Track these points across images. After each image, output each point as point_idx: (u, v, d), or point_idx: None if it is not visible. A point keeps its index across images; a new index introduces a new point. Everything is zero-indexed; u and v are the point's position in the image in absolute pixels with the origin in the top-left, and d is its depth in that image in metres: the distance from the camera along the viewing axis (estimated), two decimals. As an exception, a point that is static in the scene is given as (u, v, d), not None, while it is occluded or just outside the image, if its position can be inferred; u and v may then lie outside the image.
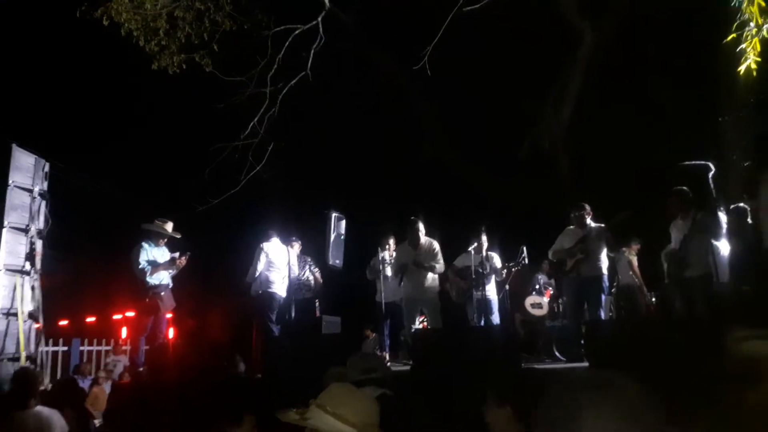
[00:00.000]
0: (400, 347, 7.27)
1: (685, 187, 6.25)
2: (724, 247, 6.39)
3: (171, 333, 8.63)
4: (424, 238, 7.12)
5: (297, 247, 8.22)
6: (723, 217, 6.21)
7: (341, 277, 8.74)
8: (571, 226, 6.76)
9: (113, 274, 10.63)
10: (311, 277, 8.25)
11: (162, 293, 6.85)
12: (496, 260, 7.56)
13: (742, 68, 5.34)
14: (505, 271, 7.62)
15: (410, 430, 2.43)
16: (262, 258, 7.54)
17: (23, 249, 7.18)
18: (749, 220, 6.24)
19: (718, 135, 8.82)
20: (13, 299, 6.95)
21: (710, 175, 6.04)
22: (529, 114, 11.17)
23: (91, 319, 15.56)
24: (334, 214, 8.39)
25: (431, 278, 7.03)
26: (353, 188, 12.26)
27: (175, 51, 9.14)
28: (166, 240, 7.09)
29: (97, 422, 6.43)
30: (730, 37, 5.33)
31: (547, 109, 10.90)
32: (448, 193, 12.36)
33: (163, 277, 6.93)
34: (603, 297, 6.61)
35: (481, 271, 7.20)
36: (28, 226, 7.19)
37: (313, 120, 11.97)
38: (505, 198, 11.24)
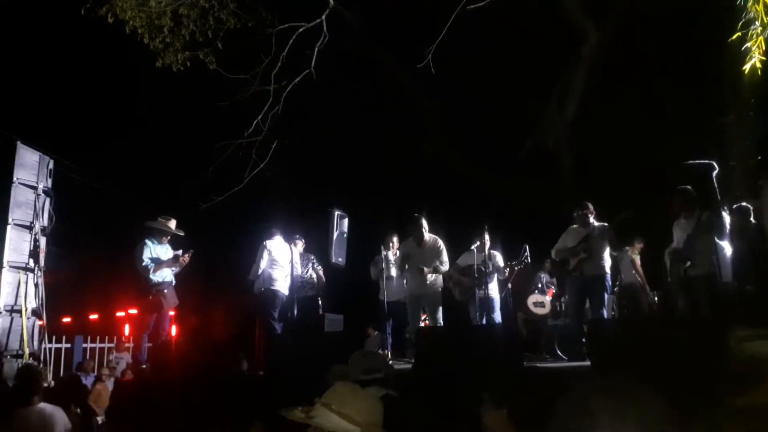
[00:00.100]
0: (405, 345, 7.26)
1: (689, 186, 6.24)
2: (727, 246, 6.38)
3: (174, 330, 8.66)
4: (428, 235, 7.11)
5: (300, 245, 8.22)
6: (726, 216, 6.19)
7: (344, 275, 8.75)
8: (574, 225, 6.75)
9: (116, 271, 10.65)
10: (314, 275, 8.26)
11: (165, 291, 6.86)
12: (499, 259, 7.55)
13: (747, 67, 5.33)
14: (508, 269, 7.61)
15: (412, 428, 2.43)
16: (265, 256, 7.55)
17: (27, 246, 7.21)
18: (752, 220, 6.23)
19: (722, 134, 8.80)
20: (17, 296, 6.99)
21: (714, 174, 6.02)
22: (532, 113, 11.16)
23: (94, 317, 15.61)
24: (336, 212, 8.39)
25: (434, 275, 7.03)
26: (356, 186, 12.26)
27: (180, 48, 9.16)
28: (169, 237, 7.11)
29: (99, 419, 6.46)
30: (735, 36, 5.32)
31: (550, 108, 10.89)
32: (450, 192, 12.36)
33: (166, 275, 6.94)
34: (606, 296, 6.60)
35: (483, 269, 7.20)
36: (32, 223, 7.22)
37: (317, 118, 11.98)
38: (507, 197, 11.23)
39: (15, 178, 7.10)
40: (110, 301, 14.03)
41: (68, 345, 10.78)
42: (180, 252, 6.98)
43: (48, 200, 7.51)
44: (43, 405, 4.08)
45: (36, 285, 7.30)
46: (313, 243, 8.52)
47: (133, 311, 10.04)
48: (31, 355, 7.02)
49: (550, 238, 7.05)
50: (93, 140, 14.92)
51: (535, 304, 8.72)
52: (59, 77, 14.14)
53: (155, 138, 13.66)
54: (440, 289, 7.11)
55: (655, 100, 10.09)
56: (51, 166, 7.66)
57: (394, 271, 7.63)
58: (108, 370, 9.63)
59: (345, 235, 8.52)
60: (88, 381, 8.53)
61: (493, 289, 7.42)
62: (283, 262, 7.68)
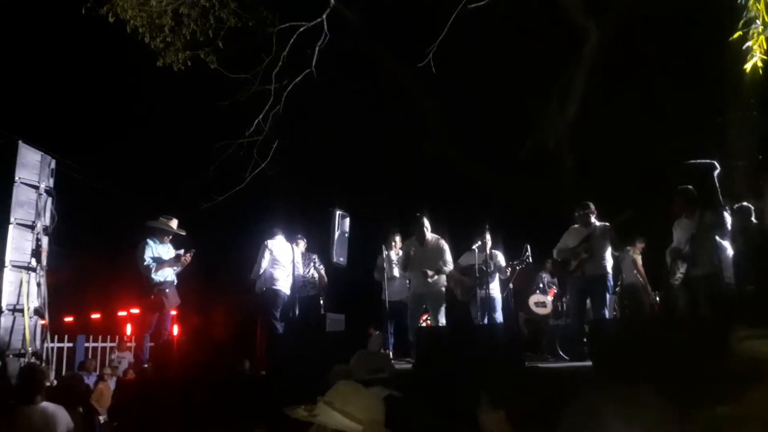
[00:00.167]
0: (407, 346, 7.26)
1: (690, 186, 6.23)
2: (728, 246, 6.38)
3: (175, 330, 8.67)
4: (430, 235, 7.11)
5: (302, 244, 8.23)
6: (727, 216, 6.19)
7: (345, 274, 8.75)
8: (576, 225, 6.76)
9: (118, 270, 10.66)
10: (316, 275, 8.27)
11: (167, 290, 6.87)
12: (500, 258, 7.55)
13: (748, 66, 5.32)
14: (510, 269, 7.62)
15: (414, 428, 2.44)
16: (267, 255, 7.56)
17: (29, 245, 7.21)
18: (754, 220, 6.23)
19: (723, 134, 8.79)
20: (19, 295, 6.99)
21: (715, 173, 6.02)
22: (533, 112, 11.16)
23: (96, 316, 15.62)
24: (338, 212, 8.39)
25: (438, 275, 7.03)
26: (357, 186, 12.27)
27: (180, 48, 9.17)
28: (171, 237, 7.11)
29: (102, 418, 6.47)
30: (736, 35, 5.31)
31: (551, 107, 10.89)
32: (451, 191, 12.36)
33: (167, 274, 6.95)
34: (607, 296, 6.60)
35: (485, 269, 7.20)
36: (34, 222, 7.22)
37: (318, 117, 11.98)
38: (508, 196, 11.23)
39: (17, 178, 7.10)
40: (112, 300, 14.04)
41: (70, 344, 10.80)
42: (181, 251, 6.98)
43: (50, 200, 7.51)
44: (45, 404, 4.09)
45: (38, 284, 7.30)
46: (315, 242, 8.53)
47: (135, 311, 10.05)
48: (33, 354, 7.03)
49: (551, 237, 7.06)
50: (94, 140, 14.92)
51: (537, 304, 8.73)
52: (60, 77, 14.14)
53: (156, 137, 13.67)
54: (444, 288, 7.10)
55: (656, 100, 10.08)
56: (53, 165, 7.66)
57: (396, 271, 7.63)
58: (110, 370, 9.65)
59: (346, 235, 8.53)
60: (90, 380, 8.55)
61: (495, 289, 7.42)
62: (284, 261, 7.69)
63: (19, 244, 7.10)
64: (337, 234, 8.31)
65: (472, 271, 7.30)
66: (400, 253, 7.60)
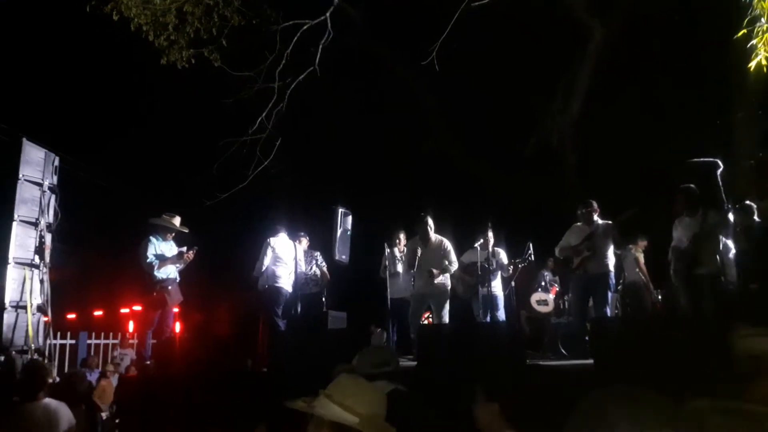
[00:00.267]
0: (409, 343, 7.25)
1: (692, 185, 6.22)
2: (730, 245, 6.37)
3: (178, 327, 8.68)
4: (434, 236, 7.09)
5: (305, 242, 8.23)
6: (730, 215, 6.18)
7: (347, 272, 8.76)
8: (578, 223, 6.74)
9: (121, 268, 10.70)
10: (318, 272, 8.27)
11: (169, 287, 6.88)
12: (503, 256, 7.54)
13: (752, 64, 5.31)
14: (512, 267, 7.61)
15: (416, 425, 2.44)
16: (269, 253, 7.57)
17: (33, 242, 7.24)
18: (756, 218, 6.21)
19: (727, 132, 8.77)
20: (22, 292, 7.01)
21: (718, 172, 6.01)
22: (536, 110, 11.14)
23: (98, 313, 15.66)
24: (340, 210, 8.40)
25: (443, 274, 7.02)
26: (360, 184, 12.28)
27: (184, 46, 9.16)
28: (173, 234, 7.12)
29: (104, 415, 6.48)
30: (740, 33, 5.30)
31: (554, 105, 10.87)
32: (454, 189, 12.36)
33: (170, 272, 6.96)
34: (609, 294, 6.58)
35: (487, 266, 7.19)
36: (37, 219, 7.25)
37: (321, 115, 11.99)
38: (511, 194, 11.22)
39: (21, 175, 7.12)
40: (115, 297, 14.09)
41: (73, 341, 10.82)
42: (184, 249, 7.00)
43: (53, 197, 7.53)
44: (48, 400, 4.10)
45: (41, 281, 7.33)
46: (317, 240, 8.54)
47: (138, 308, 10.08)
48: (36, 351, 7.05)
49: (553, 236, 7.04)
50: (98, 137, 14.97)
51: (539, 302, 8.73)
52: (65, 74, 14.19)
53: (160, 135, 13.70)
54: (448, 287, 7.09)
55: (660, 98, 10.06)
56: (56, 163, 7.69)
57: (400, 267, 7.62)
58: (112, 367, 9.66)
59: (349, 233, 8.53)
60: (92, 377, 8.56)
61: (497, 287, 7.41)
62: (287, 259, 7.70)
63: (23, 241, 7.13)
64: (339, 232, 8.32)
65: (474, 268, 7.29)
66: (405, 250, 7.59)
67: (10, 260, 6.95)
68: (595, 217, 6.61)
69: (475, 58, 10.30)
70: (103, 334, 11.74)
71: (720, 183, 5.99)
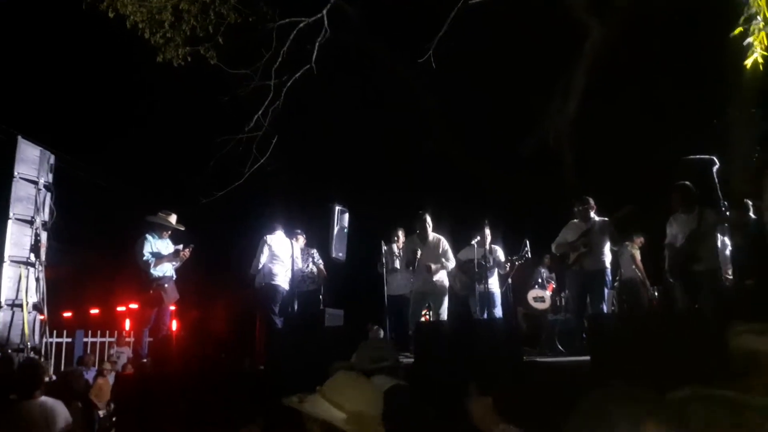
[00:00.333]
0: (407, 341, 7.26)
1: (687, 182, 6.23)
2: (726, 242, 6.40)
3: (174, 325, 8.67)
4: (432, 234, 7.11)
5: (301, 240, 8.23)
6: (725, 212, 6.20)
7: (344, 270, 8.76)
8: (575, 220, 6.75)
9: (117, 266, 10.68)
10: (315, 270, 8.27)
11: (165, 285, 6.87)
12: (500, 253, 7.55)
13: (748, 62, 5.32)
14: (509, 264, 7.62)
15: (413, 421, 2.44)
16: (266, 250, 7.56)
17: (28, 240, 7.22)
18: (752, 215, 6.23)
19: (723, 130, 8.79)
20: (18, 290, 7.00)
21: (714, 169, 6.02)
22: (534, 108, 11.15)
23: (95, 311, 15.66)
24: (337, 207, 8.39)
25: (441, 272, 7.03)
26: (357, 181, 12.27)
27: (180, 43, 9.14)
28: (170, 232, 7.11)
29: (101, 413, 6.48)
30: (737, 31, 5.30)
31: (552, 104, 10.88)
32: (451, 187, 12.37)
33: (166, 269, 6.95)
34: (606, 291, 6.60)
35: (484, 264, 7.20)
36: (33, 217, 7.23)
37: (318, 113, 11.97)
38: (508, 192, 11.24)
39: (16, 173, 7.10)
40: (111, 295, 14.07)
41: (69, 339, 10.79)
42: (181, 246, 6.99)
43: (49, 195, 7.52)
44: (44, 398, 4.10)
45: (37, 279, 7.31)
46: (314, 238, 8.53)
47: (134, 306, 10.07)
48: (32, 349, 7.04)
49: (550, 233, 7.05)
50: (94, 135, 14.93)
51: (535, 299, 8.75)
52: (60, 72, 14.14)
53: (156, 133, 13.67)
54: (446, 285, 7.11)
55: (657, 97, 10.08)
56: (52, 161, 7.66)
57: (398, 264, 7.63)
58: (109, 365, 9.65)
59: (346, 230, 8.53)
60: (89, 375, 8.55)
61: (494, 284, 7.42)
62: (283, 256, 7.69)
63: (18, 239, 7.11)
64: (336, 229, 8.32)
65: (471, 266, 7.30)
66: (403, 247, 7.60)
67: (6, 258, 6.94)
68: (592, 214, 6.62)
69: (472, 57, 10.30)
70: (99, 332, 11.72)
71: (716, 180, 6.01)
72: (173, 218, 7.11)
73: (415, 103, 11.94)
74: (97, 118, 15.19)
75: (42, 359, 7.02)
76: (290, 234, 7.99)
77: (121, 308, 13.55)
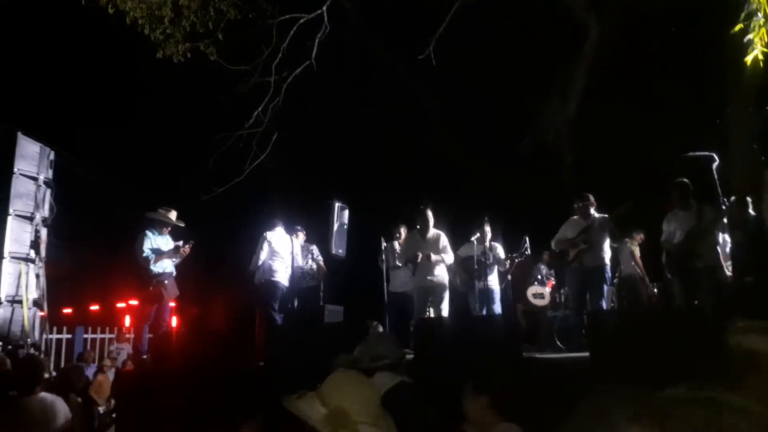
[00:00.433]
0: (408, 337, 7.25)
1: (686, 179, 6.24)
2: (725, 238, 6.40)
3: (174, 321, 8.68)
4: (432, 230, 7.12)
5: (301, 236, 8.23)
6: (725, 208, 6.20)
7: (344, 266, 8.76)
8: (575, 217, 6.76)
9: (117, 262, 10.68)
10: (314, 266, 8.27)
11: (165, 281, 6.88)
12: (500, 251, 7.56)
13: (749, 58, 5.31)
14: (509, 261, 7.63)
15: (414, 418, 2.44)
16: (265, 247, 7.57)
17: (28, 237, 7.22)
18: (751, 212, 6.24)
19: (723, 128, 8.78)
20: (18, 287, 7.00)
21: (714, 166, 6.02)
22: (534, 106, 11.14)
23: (94, 308, 15.65)
24: (337, 204, 8.40)
25: (441, 268, 7.04)
26: (357, 178, 12.26)
27: (180, 40, 9.13)
28: (169, 228, 7.12)
29: (101, 409, 6.49)
30: (737, 27, 5.30)
31: (551, 101, 10.87)
32: (451, 184, 12.36)
33: (166, 266, 6.96)
34: (605, 287, 6.61)
35: (483, 260, 7.21)
36: (33, 214, 7.23)
37: (317, 109, 11.96)
38: (508, 189, 11.23)
39: (16, 169, 7.10)
40: (111, 292, 14.07)
41: (69, 336, 10.81)
42: (180, 243, 6.99)
43: (49, 191, 7.52)
44: (44, 394, 4.10)
45: (37, 276, 7.32)
46: (314, 234, 8.54)
47: (134, 302, 10.06)
48: (32, 345, 7.04)
49: (549, 230, 7.06)
50: (94, 131, 14.91)
51: (535, 295, 8.76)
52: (60, 68, 14.12)
53: (156, 129, 13.65)
54: (447, 281, 7.11)
55: (657, 94, 10.07)
56: (52, 157, 7.66)
57: (399, 261, 7.64)
58: (109, 361, 9.67)
59: (345, 227, 8.54)
60: (89, 372, 8.57)
61: (493, 281, 7.43)
62: (283, 253, 7.70)
63: (18, 235, 7.11)
64: (336, 226, 8.33)
65: (471, 263, 7.31)
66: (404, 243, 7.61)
67: (6, 255, 6.94)
68: (592, 211, 6.63)
69: (472, 55, 10.29)
70: (99, 328, 11.75)
71: (716, 177, 6.01)
72: (173, 215, 7.11)
73: (415, 101, 11.93)
74: (97, 114, 15.18)
75: (42, 355, 7.02)
76: (290, 230, 8.00)
77: (121, 305, 13.56)
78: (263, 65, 9.37)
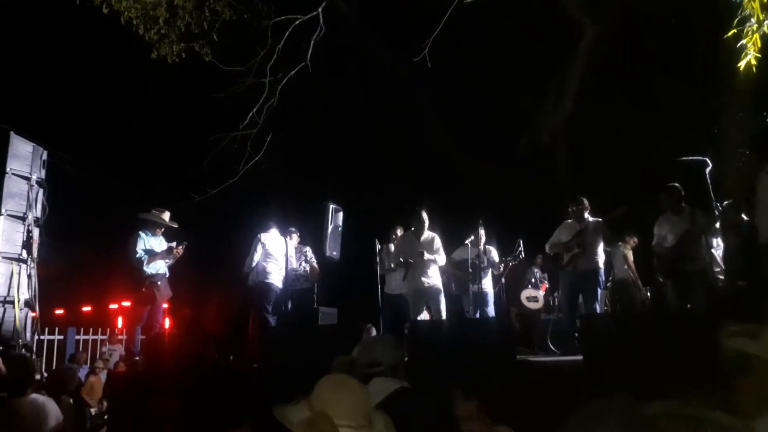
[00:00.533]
0: (403, 340, 7.23)
1: (677, 184, 6.28)
2: (718, 242, 6.43)
3: (167, 322, 8.64)
4: (426, 232, 7.14)
5: (295, 238, 8.22)
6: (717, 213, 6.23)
7: (338, 268, 8.75)
8: (569, 220, 6.78)
9: (110, 263, 10.63)
10: (308, 268, 8.25)
11: (158, 283, 6.85)
12: (494, 254, 7.57)
13: (742, 64, 5.34)
14: (503, 264, 7.64)
15: (412, 423, 2.43)
16: (259, 248, 7.55)
17: (20, 237, 7.17)
18: (744, 216, 6.27)
19: (717, 132, 8.83)
20: (9, 287, 6.95)
21: (707, 170, 6.05)
22: (529, 107, 11.16)
23: (87, 309, 15.57)
24: (331, 206, 8.38)
25: (434, 270, 7.04)
26: (351, 180, 12.25)
27: (175, 40, 9.12)
28: (163, 229, 7.09)
29: (93, 410, 6.45)
30: (730, 33, 5.33)
31: (546, 103, 10.89)
32: (445, 186, 12.36)
33: (159, 267, 6.93)
34: (599, 291, 6.63)
35: (478, 263, 7.22)
36: (25, 214, 7.18)
37: (312, 111, 11.95)
38: (502, 191, 11.25)
39: (8, 169, 7.05)
40: (103, 293, 14.00)
41: (61, 337, 10.76)
42: (174, 244, 6.97)
43: (41, 191, 7.47)
44: (35, 396, 4.08)
45: (29, 276, 7.26)
46: (308, 236, 8.52)
47: (127, 303, 10.01)
48: (23, 346, 6.99)
49: (543, 233, 7.08)
50: (87, 131, 14.84)
51: (528, 298, 8.77)
52: (54, 68, 14.05)
53: (150, 129, 13.61)
54: (440, 284, 7.11)
55: (652, 97, 10.11)
56: (44, 156, 7.61)
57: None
58: (102, 363, 9.63)
59: (340, 229, 8.53)
60: (81, 373, 8.52)
61: (487, 284, 7.44)
62: (277, 255, 7.68)
63: (10, 235, 7.06)
64: (330, 228, 8.31)
65: (465, 265, 7.32)
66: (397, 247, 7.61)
67: (-2, 255, 6.89)
68: (586, 214, 6.65)
69: (467, 56, 10.31)
70: (91, 329, 11.69)
71: (709, 181, 6.04)
72: (166, 215, 7.09)
73: (410, 102, 11.94)
74: (90, 114, 15.12)
75: (33, 357, 6.97)
76: (284, 232, 7.98)
77: (113, 306, 13.50)
78: (258, 66, 9.36)
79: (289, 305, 7.84)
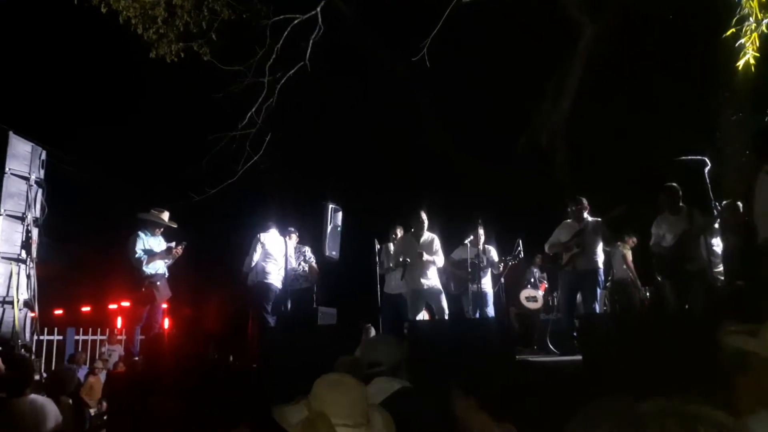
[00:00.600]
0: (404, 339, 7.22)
1: (675, 183, 6.28)
2: (716, 242, 6.43)
3: (166, 323, 8.64)
4: (426, 233, 7.14)
5: (294, 238, 8.22)
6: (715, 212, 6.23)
7: (337, 268, 8.75)
8: (568, 220, 6.78)
9: (109, 263, 10.62)
10: (307, 268, 8.25)
11: (158, 283, 6.85)
12: (494, 254, 7.57)
13: (740, 63, 5.35)
14: (502, 264, 7.64)
15: (413, 424, 2.43)
16: (259, 248, 7.55)
17: (19, 237, 7.16)
18: (743, 215, 6.27)
19: (716, 130, 8.83)
20: (8, 287, 6.95)
21: (706, 170, 6.05)
22: (527, 107, 11.16)
23: (86, 309, 15.56)
24: (330, 206, 8.38)
25: (433, 271, 7.04)
26: (350, 180, 12.24)
27: (174, 39, 9.10)
28: (162, 229, 7.09)
29: (92, 411, 6.45)
30: (729, 32, 5.33)
31: (545, 103, 10.89)
32: (445, 186, 12.36)
33: (158, 267, 6.93)
34: (598, 291, 6.63)
35: (477, 263, 7.22)
36: (24, 214, 7.18)
37: (311, 110, 11.94)
38: (501, 191, 11.25)
39: (7, 169, 7.04)
40: (103, 293, 13.99)
41: (60, 337, 10.74)
42: (173, 244, 6.97)
43: (40, 191, 7.46)
44: (34, 396, 4.08)
45: (28, 276, 7.26)
46: (307, 236, 8.52)
47: (126, 303, 10.02)
48: (22, 346, 6.99)
49: (542, 233, 7.08)
50: (86, 131, 14.82)
51: (528, 298, 8.77)
52: (52, 67, 14.04)
53: (149, 129, 13.60)
54: (439, 284, 7.12)
55: (650, 97, 10.11)
56: (43, 156, 7.60)
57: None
58: (101, 363, 9.62)
59: (339, 229, 8.52)
60: (80, 373, 8.51)
61: (486, 284, 7.44)
62: (276, 255, 7.68)
63: (9, 235, 7.05)
64: (329, 228, 8.31)
65: (465, 265, 7.32)
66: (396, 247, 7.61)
67: (-3, 255, 6.88)
68: (585, 214, 6.65)
69: (466, 55, 10.31)
70: (90, 330, 11.67)
71: (708, 181, 6.04)
72: (165, 215, 7.08)
73: (409, 102, 11.93)
74: (89, 114, 15.10)
75: (33, 357, 6.97)
76: (284, 232, 7.98)
77: (112, 306, 13.49)
78: (257, 66, 9.35)
79: (289, 305, 7.84)
